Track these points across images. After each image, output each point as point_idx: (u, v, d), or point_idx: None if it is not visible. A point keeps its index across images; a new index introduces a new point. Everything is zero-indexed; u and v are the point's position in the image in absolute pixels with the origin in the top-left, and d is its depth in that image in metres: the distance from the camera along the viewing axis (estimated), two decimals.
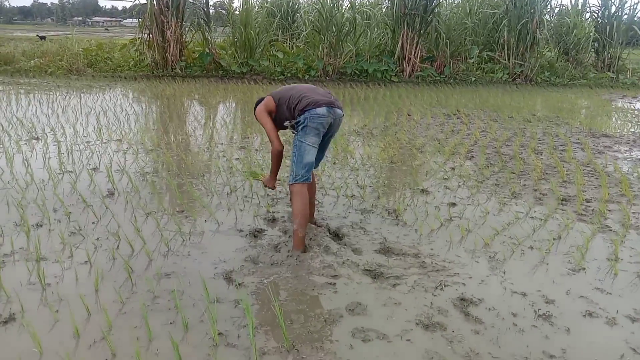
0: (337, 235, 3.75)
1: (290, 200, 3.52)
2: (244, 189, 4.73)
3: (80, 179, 4.81)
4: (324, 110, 3.36)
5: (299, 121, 3.38)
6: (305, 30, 16.09)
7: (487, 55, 16.27)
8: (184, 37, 14.44)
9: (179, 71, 13.97)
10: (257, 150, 6.31)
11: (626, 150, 7.08)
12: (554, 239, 3.78)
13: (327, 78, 14.67)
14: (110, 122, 7.63)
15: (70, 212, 3.96)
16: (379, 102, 11.14)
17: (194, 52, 14.73)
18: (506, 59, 16.10)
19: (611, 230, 4.02)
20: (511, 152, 6.62)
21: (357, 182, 5.08)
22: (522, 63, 16.02)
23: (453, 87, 14.47)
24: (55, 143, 6.09)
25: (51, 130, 6.83)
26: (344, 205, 4.39)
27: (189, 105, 10.17)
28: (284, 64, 14.90)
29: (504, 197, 4.74)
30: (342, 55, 14.85)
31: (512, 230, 3.96)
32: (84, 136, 6.61)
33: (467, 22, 15.89)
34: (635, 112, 11.28)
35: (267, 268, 3.17)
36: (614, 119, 10.12)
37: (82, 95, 10.26)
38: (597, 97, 13.77)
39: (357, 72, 14.91)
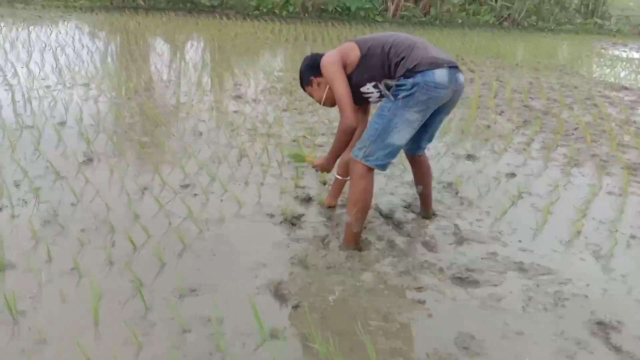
0: (391, 220, 2.94)
1: (350, 181, 2.51)
2: (255, 153, 3.82)
3: (45, 138, 3.77)
4: (445, 75, 2.27)
5: (403, 85, 2.28)
6: None
7: None
8: None
9: (142, 2, 12.42)
10: (254, 101, 5.32)
11: None
12: None
13: (306, 15, 13.43)
14: (70, 61, 6.41)
15: (38, 188, 2.98)
16: None
17: None
18: (493, 0, 15.20)
19: None
20: (541, 106, 5.88)
21: None
22: (510, 5, 15.17)
23: (440, 29, 13.50)
24: (7, 87, 4.93)
25: None
26: (383, 176, 3.56)
27: (158, 42, 8.90)
28: None
29: (564, 165, 4.02)
30: None
31: (596, 210, 3.25)
32: (42, 79, 5.44)
33: None
34: (635, 61, 10.73)
35: (325, 275, 2.34)
36: (619, 68, 9.51)
37: (32, 27, 8.80)
38: (588, 44, 13.17)
39: (338, 9, 13.70)
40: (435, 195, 3.29)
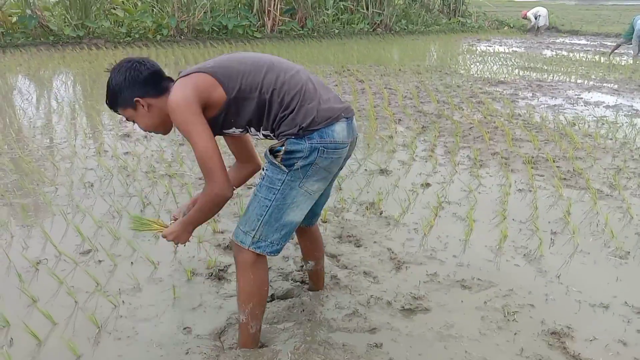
0: (326, 250, 2.78)
1: (236, 272, 1.88)
2: (160, 199, 3.48)
3: None
4: (344, 129, 1.77)
5: (298, 152, 1.71)
6: None
7: (343, 5, 15.69)
8: None
9: None
10: (145, 137, 4.92)
11: (531, 97, 6.95)
12: (565, 216, 3.22)
13: (182, 37, 12.95)
14: None
15: None
16: None
17: (11, 16, 11.96)
18: (365, 8, 15.74)
19: (608, 195, 3.58)
20: (433, 110, 6.06)
21: None
22: (381, 12, 15.78)
23: (319, 41, 13.71)
24: None
25: None
26: None
27: (23, 82, 8.04)
28: (127, 24, 12.80)
29: (471, 167, 4.11)
30: (195, 11, 13.16)
31: (514, 210, 3.33)
32: None
33: None
34: (501, 55, 11.58)
35: (271, 332, 2.10)
36: (490, 64, 10.18)
37: None
38: (457, 42, 14.05)
39: (215, 29, 13.37)
40: (359, 218, 3.19)
